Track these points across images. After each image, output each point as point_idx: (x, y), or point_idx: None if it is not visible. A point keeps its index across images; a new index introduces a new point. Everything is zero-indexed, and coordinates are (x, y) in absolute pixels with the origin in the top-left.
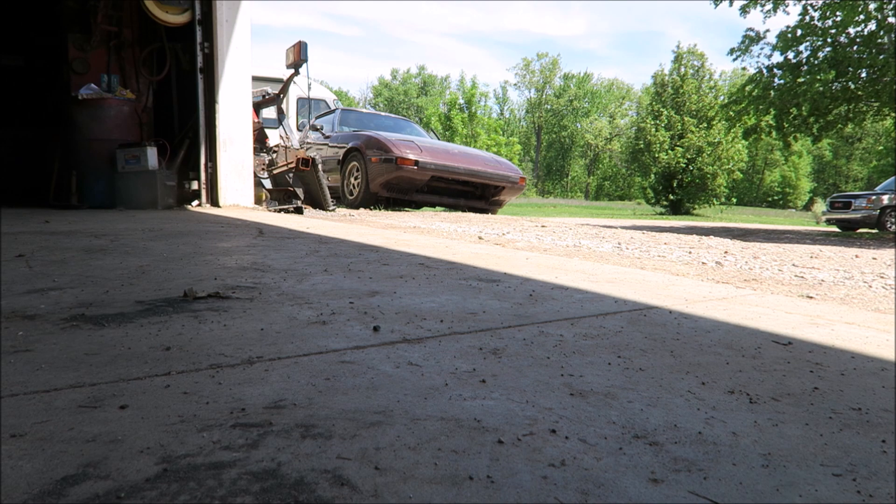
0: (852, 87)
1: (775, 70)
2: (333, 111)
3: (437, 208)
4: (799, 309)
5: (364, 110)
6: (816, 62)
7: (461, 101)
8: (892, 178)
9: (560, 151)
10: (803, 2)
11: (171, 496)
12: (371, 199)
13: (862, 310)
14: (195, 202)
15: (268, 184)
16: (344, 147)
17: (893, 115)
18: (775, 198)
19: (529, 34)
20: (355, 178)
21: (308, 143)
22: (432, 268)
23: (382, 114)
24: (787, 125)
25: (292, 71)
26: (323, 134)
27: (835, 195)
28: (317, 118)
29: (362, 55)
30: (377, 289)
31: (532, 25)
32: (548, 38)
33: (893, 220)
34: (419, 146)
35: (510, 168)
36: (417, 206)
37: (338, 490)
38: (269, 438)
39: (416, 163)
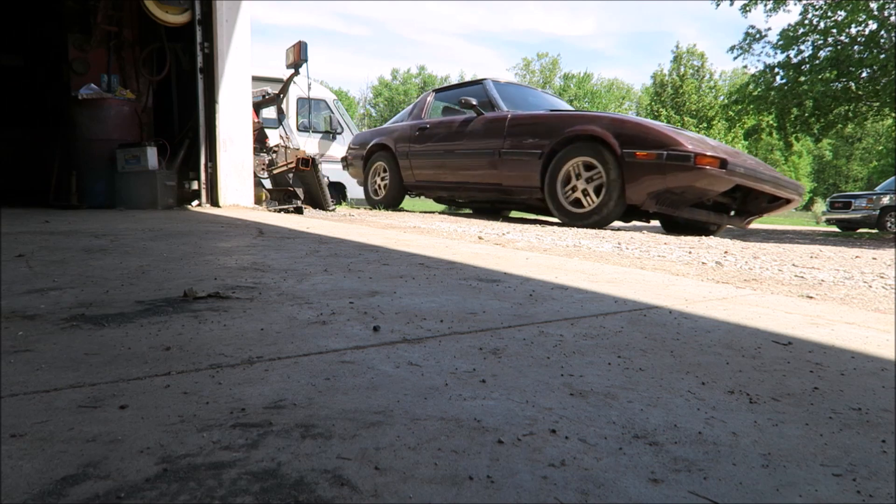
0: (853, 87)
1: (776, 69)
2: (478, 83)
3: (439, 208)
4: (799, 309)
5: (521, 84)
6: (818, 62)
7: None
8: (893, 178)
9: None
10: (804, 1)
11: (171, 496)
12: (619, 213)
13: (862, 310)
14: (195, 202)
15: (268, 184)
16: (551, 135)
17: (893, 115)
18: None
19: (539, 34)
20: (588, 182)
21: (428, 126)
22: (432, 268)
23: (540, 91)
24: (788, 125)
25: (292, 71)
26: (478, 110)
27: (835, 195)
28: (438, 91)
29: (369, 55)
30: (377, 289)
31: (541, 25)
32: (557, 38)
33: (893, 220)
34: (705, 140)
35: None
36: (679, 223)
37: (338, 490)
38: (269, 438)
39: (724, 164)
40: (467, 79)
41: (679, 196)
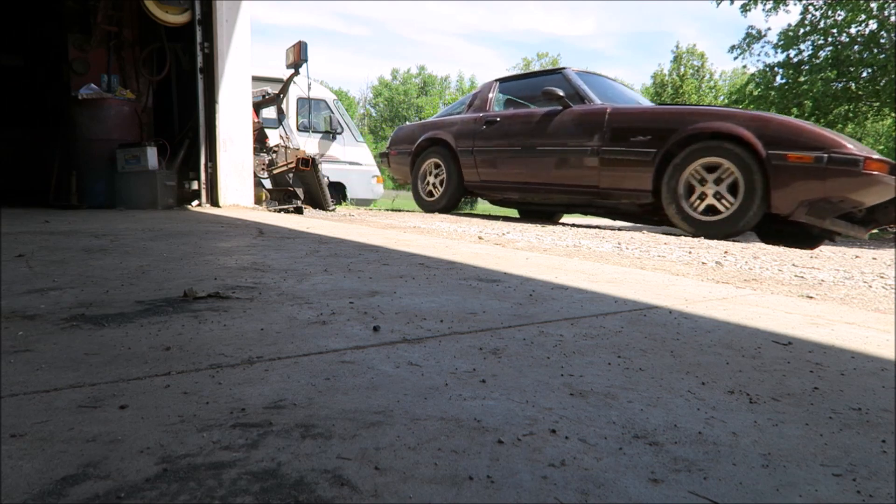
0: (853, 86)
1: (776, 69)
2: (556, 72)
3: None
4: (799, 309)
5: (600, 74)
6: (818, 62)
7: None
8: None
9: None
10: (804, 1)
11: (171, 496)
12: (756, 222)
13: (862, 310)
14: (195, 202)
15: (268, 184)
16: (668, 132)
17: (893, 115)
18: None
19: (539, 34)
20: (720, 186)
21: (499, 119)
22: (432, 268)
23: (617, 83)
24: None
25: (292, 71)
26: (565, 102)
27: None
28: (502, 81)
29: (369, 55)
30: (377, 289)
31: (541, 25)
32: (557, 38)
33: None
34: (851, 141)
35: None
36: (787, 234)
37: (338, 490)
38: (269, 438)
39: (894, 169)
40: (466, 79)
41: (834, 205)
